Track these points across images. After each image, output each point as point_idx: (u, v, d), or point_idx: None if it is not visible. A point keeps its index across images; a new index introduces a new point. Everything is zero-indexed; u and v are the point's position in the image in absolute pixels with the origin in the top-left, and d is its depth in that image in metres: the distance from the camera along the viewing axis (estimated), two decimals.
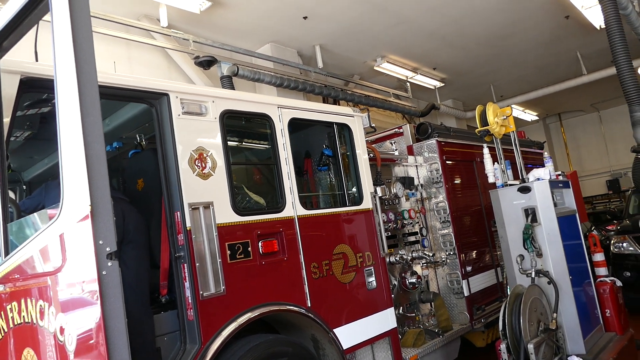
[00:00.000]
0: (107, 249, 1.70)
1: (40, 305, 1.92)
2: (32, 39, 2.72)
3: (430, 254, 5.75)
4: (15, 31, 2.22)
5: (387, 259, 5.34)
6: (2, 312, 2.18)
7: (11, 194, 4.19)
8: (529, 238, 4.90)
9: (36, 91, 2.73)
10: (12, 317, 2.10)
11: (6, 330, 2.16)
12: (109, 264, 1.70)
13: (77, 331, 1.73)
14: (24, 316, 2.03)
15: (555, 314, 4.67)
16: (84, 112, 1.68)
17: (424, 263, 5.95)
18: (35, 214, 2.23)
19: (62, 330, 1.79)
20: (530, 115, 18.20)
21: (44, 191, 3.31)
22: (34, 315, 1.96)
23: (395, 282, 5.53)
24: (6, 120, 2.59)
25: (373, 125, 5.25)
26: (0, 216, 2.19)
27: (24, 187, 4.45)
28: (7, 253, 2.16)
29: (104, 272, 1.67)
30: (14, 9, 2.11)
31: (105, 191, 1.71)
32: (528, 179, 5.21)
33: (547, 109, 18.86)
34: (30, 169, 4.48)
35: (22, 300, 2.04)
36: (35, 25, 2.46)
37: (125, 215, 3.39)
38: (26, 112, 3.21)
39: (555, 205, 5.08)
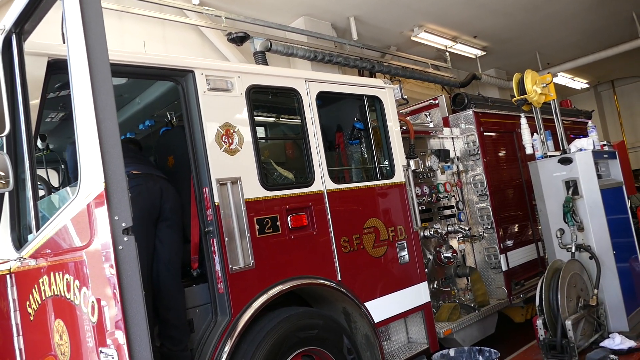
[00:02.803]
0: (123, 224, 1.74)
1: (67, 279, 2.00)
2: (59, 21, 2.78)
3: (467, 228, 5.64)
4: (35, 13, 2.27)
5: (421, 233, 5.27)
6: (35, 285, 2.30)
7: (52, 173, 4.37)
8: (569, 211, 4.71)
9: (64, 72, 2.78)
10: (44, 290, 2.21)
11: (40, 302, 2.28)
12: (125, 239, 1.74)
13: (98, 304, 1.79)
14: (53, 289, 2.13)
15: (596, 290, 4.50)
16: (96, 90, 1.71)
17: (460, 237, 5.85)
18: (61, 190, 2.32)
19: (85, 302, 1.87)
20: (580, 83, 17.27)
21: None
22: (61, 288, 2.05)
23: (430, 256, 5.46)
24: (36, 102, 2.67)
25: (405, 96, 5.12)
26: (30, 194, 2.28)
27: (63, 166, 4.63)
28: (38, 228, 2.26)
29: (120, 247, 1.72)
30: None
31: (119, 168, 1.74)
32: (570, 149, 4.98)
33: (598, 76, 17.83)
34: None
35: (52, 274, 2.13)
36: (62, 8, 2.49)
37: (162, 193, 3.47)
38: (58, 93, 3.30)
39: (599, 177, 4.85)
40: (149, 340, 1.69)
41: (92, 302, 1.83)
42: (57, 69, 2.77)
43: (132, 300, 1.70)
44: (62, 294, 2.05)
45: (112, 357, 1.73)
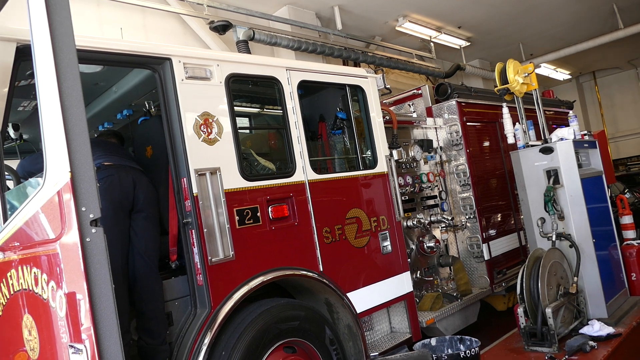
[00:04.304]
0: (91, 216, 1.68)
1: (35, 273, 1.94)
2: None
3: (450, 218, 5.65)
4: None
5: (404, 223, 5.26)
6: (4, 279, 2.22)
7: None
8: (550, 200, 4.74)
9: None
10: (12, 284, 2.14)
11: (8, 297, 2.21)
12: (93, 230, 1.68)
13: (66, 298, 1.74)
14: (21, 283, 2.06)
15: (576, 278, 4.55)
16: (61, 76, 1.64)
17: (443, 227, 5.87)
18: (31, 179, 2.24)
19: (53, 296, 1.81)
20: (562, 74, 17.41)
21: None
22: (29, 282, 1.99)
23: (413, 246, 5.47)
24: (5, 90, 2.57)
25: (388, 86, 5.08)
26: None
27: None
28: (5, 220, 2.18)
29: (87, 239, 1.66)
30: None
31: (87, 157, 1.68)
32: (551, 139, 5.00)
33: (580, 67, 17.99)
34: None
35: (20, 267, 2.06)
36: None
37: (136, 184, 3.39)
38: (30, 81, 3.19)
39: (579, 166, 4.88)
40: (119, 335, 1.64)
41: (60, 296, 1.77)
42: (27, 55, 2.67)
43: (101, 294, 1.65)
44: (30, 288, 1.98)
45: (82, 352, 1.68)
